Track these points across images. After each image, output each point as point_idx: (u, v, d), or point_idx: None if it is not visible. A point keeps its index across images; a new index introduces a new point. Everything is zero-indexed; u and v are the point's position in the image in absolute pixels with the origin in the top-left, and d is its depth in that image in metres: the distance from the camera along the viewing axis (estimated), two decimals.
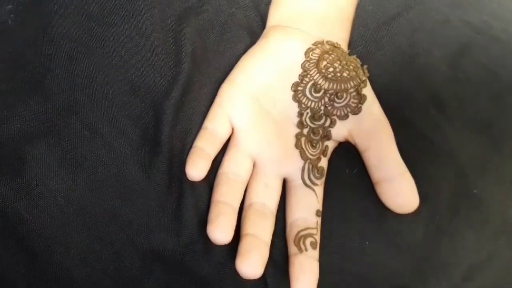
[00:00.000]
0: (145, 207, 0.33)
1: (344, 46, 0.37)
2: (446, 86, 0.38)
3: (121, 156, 0.34)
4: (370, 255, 0.35)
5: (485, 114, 0.34)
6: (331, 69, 0.35)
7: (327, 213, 0.35)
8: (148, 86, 0.35)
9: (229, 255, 0.33)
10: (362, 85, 0.35)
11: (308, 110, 0.35)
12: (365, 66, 0.36)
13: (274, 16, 0.38)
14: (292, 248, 0.33)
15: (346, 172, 0.36)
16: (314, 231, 0.33)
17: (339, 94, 0.35)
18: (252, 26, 0.39)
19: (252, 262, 0.30)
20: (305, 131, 0.35)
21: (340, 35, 0.38)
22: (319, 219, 0.34)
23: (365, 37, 0.40)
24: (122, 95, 0.35)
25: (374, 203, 0.35)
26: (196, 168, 0.33)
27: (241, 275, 0.30)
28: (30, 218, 0.32)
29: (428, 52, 0.40)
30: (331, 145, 0.36)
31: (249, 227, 0.32)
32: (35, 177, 0.32)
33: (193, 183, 0.34)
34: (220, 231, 0.31)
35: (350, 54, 0.37)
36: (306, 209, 0.34)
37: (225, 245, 0.33)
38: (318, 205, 0.34)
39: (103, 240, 0.32)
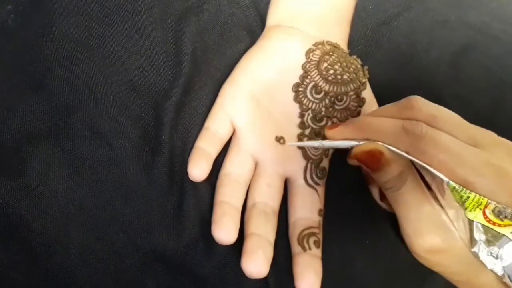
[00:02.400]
0: (146, 207, 0.33)
1: (343, 46, 0.38)
2: (446, 86, 0.38)
3: (122, 156, 0.34)
4: (371, 253, 0.35)
5: (485, 114, 0.34)
6: (331, 71, 0.35)
7: (328, 213, 0.35)
8: (148, 86, 0.35)
9: (230, 255, 0.33)
10: (361, 87, 0.35)
11: (309, 111, 0.35)
12: (365, 67, 0.37)
13: (273, 16, 0.38)
14: (296, 247, 0.33)
15: (345, 173, 0.36)
16: (317, 230, 0.33)
17: (339, 97, 0.35)
18: (252, 26, 0.39)
19: (257, 262, 0.31)
20: (307, 131, 0.35)
21: (339, 35, 0.38)
22: (321, 219, 0.34)
23: (364, 37, 0.40)
24: (123, 95, 0.35)
25: (373, 203, 0.35)
26: (198, 168, 0.33)
27: (246, 274, 0.31)
28: (31, 218, 0.32)
29: (428, 52, 0.40)
30: None
31: (253, 227, 0.32)
32: (36, 177, 0.32)
33: (194, 183, 0.34)
34: (225, 231, 0.31)
35: (350, 54, 0.37)
36: (309, 209, 0.34)
37: (226, 245, 0.33)
38: (320, 205, 0.34)
39: (103, 240, 0.32)
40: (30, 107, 0.33)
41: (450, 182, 0.27)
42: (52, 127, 0.33)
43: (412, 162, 0.28)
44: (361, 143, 0.29)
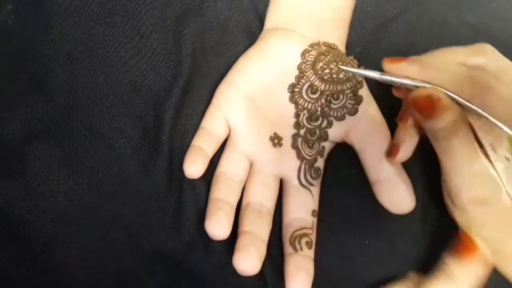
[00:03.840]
0: (146, 207, 0.33)
1: (341, 47, 0.38)
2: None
3: (122, 156, 0.34)
4: (369, 254, 0.35)
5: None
6: (327, 71, 0.35)
7: (327, 213, 0.35)
8: (148, 86, 0.35)
9: (229, 255, 0.33)
10: (358, 86, 0.36)
11: (305, 111, 0.36)
12: (361, 67, 0.37)
13: (272, 19, 0.38)
14: (288, 248, 0.33)
15: (344, 172, 0.36)
16: (309, 231, 0.33)
17: (335, 95, 0.35)
18: (251, 28, 0.39)
19: (249, 258, 0.31)
20: (302, 131, 0.35)
21: (337, 36, 0.38)
22: (315, 219, 0.34)
23: (363, 38, 0.40)
24: (123, 95, 0.35)
25: (372, 202, 0.35)
26: (194, 166, 0.33)
27: (238, 271, 0.31)
28: (31, 218, 0.32)
29: (427, 52, 0.40)
30: (328, 145, 0.36)
31: (246, 225, 0.32)
32: (36, 177, 0.32)
33: (193, 183, 0.34)
34: (218, 225, 0.31)
35: (348, 55, 0.37)
36: (302, 209, 0.34)
37: (225, 245, 0.33)
38: (314, 205, 0.34)
39: (104, 240, 0.32)
40: (31, 107, 0.34)
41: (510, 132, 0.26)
42: (52, 127, 0.33)
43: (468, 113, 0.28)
44: (421, 85, 0.29)
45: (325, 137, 0.35)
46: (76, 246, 0.32)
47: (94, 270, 0.32)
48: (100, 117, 0.34)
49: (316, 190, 0.35)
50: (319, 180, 0.35)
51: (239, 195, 0.34)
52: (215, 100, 0.36)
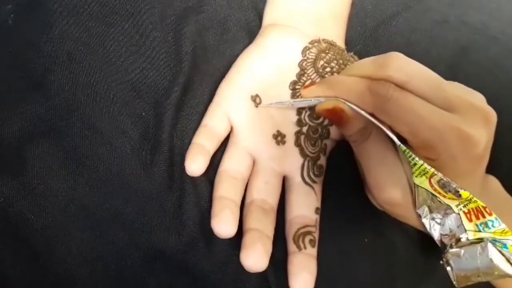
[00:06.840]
0: (146, 206, 0.33)
1: (339, 43, 0.38)
2: None
3: (122, 155, 0.34)
4: (369, 251, 0.35)
5: None
6: (328, 69, 0.35)
7: (327, 210, 0.35)
8: (148, 85, 0.35)
9: (231, 253, 0.33)
10: None
11: (307, 108, 0.36)
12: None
13: (270, 15, 0.38)
14: (291, 246, 0.33)
15: (344, 171, 0.36)
16: (313, 229, 0.33)
17: None
18: (251, 27, 0.39)
19: (256, 255, 0.31)
20: (305, 129, 0.35)
21: (335, 32, 0.38)
22: (318, 217, 0.34)
23: (363, 36, 0.40)
24: (123, 95, 0.35)
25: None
26: (195, 163, 0.33)
27: (246, 268, 0.31)
28: (32, 217, 0.32)
29: (426, 52, 0.40)
30: (329, 143, 0.36)
31: (251, 222, 0.32)
32: (37, 176, 0.32)
33: (194, 182, 0.34)
34: (224, 224, 0.31)
35: (348, 51, 0.37)
36: (305, 207, 0.34)
37: (227, 243, 0.33)
38: (317, 203, 0.35)
39: (104, 239, 0.32)
40: (31, 107, 0.33)
41: (401, 145, 0.27)
42: (52, 126, 0.33)
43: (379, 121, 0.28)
44: (324, 100, 0.30)
45: (326, 135, 0.36)
46: (77, 245, 0.32)
47: (95, 269, 0.32)
48: (100, 116, 0.34)
49: (318, 188, 0.35)
50: (321, 178, 0.35)
51: (243, 192, 0.34)
52: (216, 99, 0.36)
